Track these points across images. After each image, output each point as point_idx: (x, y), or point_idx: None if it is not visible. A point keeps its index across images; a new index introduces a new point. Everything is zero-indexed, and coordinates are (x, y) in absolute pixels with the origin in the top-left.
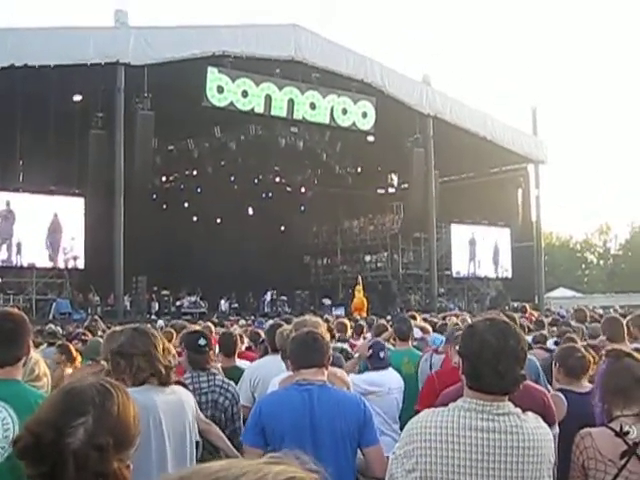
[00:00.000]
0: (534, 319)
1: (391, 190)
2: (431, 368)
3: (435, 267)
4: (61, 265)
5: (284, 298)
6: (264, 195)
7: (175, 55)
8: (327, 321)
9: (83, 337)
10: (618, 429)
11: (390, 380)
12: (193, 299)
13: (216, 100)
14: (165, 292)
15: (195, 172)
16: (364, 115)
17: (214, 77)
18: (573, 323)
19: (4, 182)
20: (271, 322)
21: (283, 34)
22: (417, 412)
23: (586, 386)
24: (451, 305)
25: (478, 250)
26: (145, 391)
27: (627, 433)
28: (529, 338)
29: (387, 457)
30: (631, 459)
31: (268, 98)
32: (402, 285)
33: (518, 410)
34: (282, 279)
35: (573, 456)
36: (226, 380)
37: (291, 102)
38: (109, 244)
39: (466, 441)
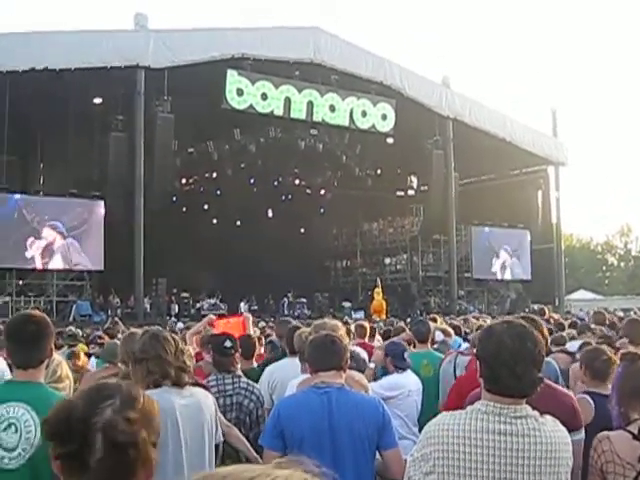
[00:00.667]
0: (553, 322)
1: (411, 192)
2: (455, 370)
3: (455, 269)
4: (81, 267)
5: (304, 300)
6: (284, 197)
7: (195, 58)
8: (346, 324)
9: (99, 341)
10: (636, 432)
11: (409, 382)
12: (213, 301)
13: (236, 103)
14: (185, 294)
15: (215, 174)
16: (383, 117)
17: (234, 80)
18: (592, 326)
19: (25, 185)
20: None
21: (302, 36)
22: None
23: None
24: (471, 307)
25: (498, 252)
26: (162, 393)
27: None
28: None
29: (406, 460)
30: None
31: (287, 100)
32: (422, 287)
33: (536, 413)
34: (302, 281)
35: (591, 460)
36: (251, 383)
37: (310, 104)
38: (129, 246)
39: (483, 444)
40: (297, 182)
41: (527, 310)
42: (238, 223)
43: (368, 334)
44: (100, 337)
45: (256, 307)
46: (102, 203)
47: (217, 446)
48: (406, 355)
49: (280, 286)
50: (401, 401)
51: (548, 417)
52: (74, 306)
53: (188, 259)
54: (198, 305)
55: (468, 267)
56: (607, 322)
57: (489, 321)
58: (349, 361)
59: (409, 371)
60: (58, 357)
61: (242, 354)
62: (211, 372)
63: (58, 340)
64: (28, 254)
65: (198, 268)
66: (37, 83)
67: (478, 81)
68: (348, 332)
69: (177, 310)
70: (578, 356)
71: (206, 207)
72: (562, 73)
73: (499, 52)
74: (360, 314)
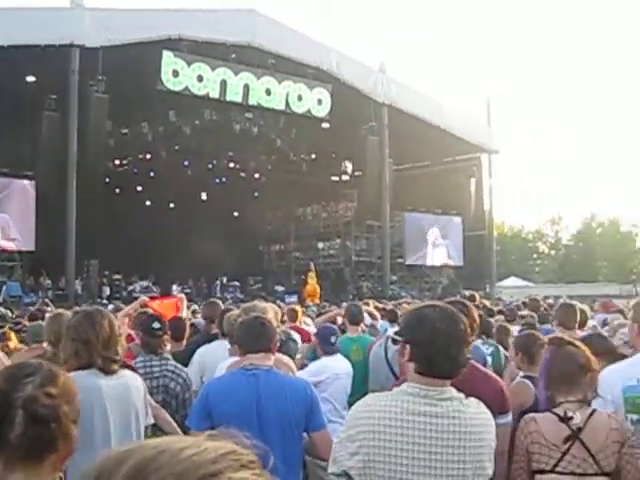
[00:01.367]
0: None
1: (345, 177)
2: (387, 354)
3: (388, 255)
4: (12, 247)
5: (236, 284)
6: (218, 180)
7: (131, 38)
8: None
9: (22, 327)
10: (562, 414)
11: (337, 366)
12: (145, 284)
13: (171, 84)
14: (117, 276)
15: (149, 156)
16: (319, 102)
17: (169, 61)
18: (524, 312)
19: None
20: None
21: (240, 19)
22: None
23: None
24: (403, 293)
25: (430, 238)
26: (89, 375)
27: (571, 418)
28: None
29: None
30: (574, 444)
31: (223, 83)
32: (354, 272)
33: (461, 395)
34: (235, 265)
35: (517, 440)
36: (178, 365)
37: (246, 87)
38: (61, 227)
39: (409, 425)
40: (231, 165)
41: (459, 296)
42: (172, 205)
43: (300, 317)
44: (20, 323)
45: (189, 290)
46: (34, 183)
47: (146, 428)
48: (334, 339)
49: (213, 269)
50: (329, 385)
51: (472, 399)
52: (4, 287)
53: (121, 241)
54: (130, 287)
55: (401, 253)
56: (541, 309)
57: None
58: (278, 344)
59: (338, 355)
60: None
61: (173, 336)
62: (139, 354)
63: None
64: None
65: (130, 250)
66: None
67: (414, 68)
68: (282, 315)
69: (109, 292)
70: (512, 342)
71: (139, 189)
72: (497, 62)
73: (436, 40)
74: (293, 298)
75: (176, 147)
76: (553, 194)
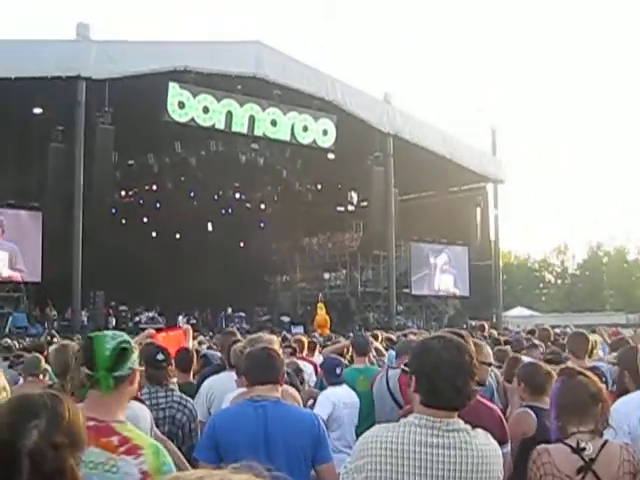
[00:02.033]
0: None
1: (351, 208)
2: (388, 384)
3: (394, 285)
4: (17, 278)
5: (242, 314)
6: (224, 211)
7: (137, 70)
8: (285, 339)
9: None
10: (574, 445)
11: (343, 396)
12: (151, 314)
13: (177, 115)
14: (123, 307)
15: (155, 187)
16: (325, 133)
17: (175, 92)
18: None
19: None
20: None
21: (245, 50)
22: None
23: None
24: (409, 323)
25: (439, 263)
26: None
27: (583, 449)
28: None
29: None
30: (587, 475)
31: (229, 114)
32: (360, 303)
33: (468, 427)
34: (241, 296)
35: (530, 472)
36: (184, 396)
37: (252, 119)
38: (67, 258)
39: (416, 456)
40: (237, 196)
41: (465, 326)
42: (177, 236)
43: (306, 348)
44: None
45: (194, 321)
46: (40, 214)
47: None
48: (339, 371)
49: (219, 300)
50: (336, 415)
51: (480, 430)
52: (10, 318)
53: (127, 272)
54: (136, 318)
55: (407, 283)
56: (551, 338)
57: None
58: (285, 375)
59: (344, 385)
60: None
61: (179, 367)
62: (144, 385)
63: None
64: None
65: (136, 281)
66: None
67: (420, 98)
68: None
69: (115, 323)
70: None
71: (145, 220)
72: (504, 92)
73: (442, 70)
74: (299, 329)
75: (182, 178)
76: (559, 224)
